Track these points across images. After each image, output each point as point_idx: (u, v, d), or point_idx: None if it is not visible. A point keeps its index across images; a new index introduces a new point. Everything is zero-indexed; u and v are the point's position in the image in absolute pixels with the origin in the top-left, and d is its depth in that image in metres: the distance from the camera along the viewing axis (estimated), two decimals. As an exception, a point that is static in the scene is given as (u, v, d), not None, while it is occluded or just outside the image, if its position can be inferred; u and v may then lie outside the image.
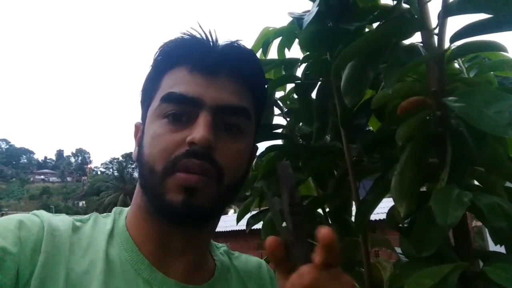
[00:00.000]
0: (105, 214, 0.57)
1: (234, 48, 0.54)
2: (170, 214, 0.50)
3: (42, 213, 0.51)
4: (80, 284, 0.45)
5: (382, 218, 0.68)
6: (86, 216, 0.56)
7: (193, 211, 0.48)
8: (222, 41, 0.54)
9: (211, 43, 0.53)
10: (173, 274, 0.52)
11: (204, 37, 0.53)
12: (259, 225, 0.92)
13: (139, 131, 0.56)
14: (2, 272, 0.41)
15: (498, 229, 0.44)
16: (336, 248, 0.34)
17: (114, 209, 0.58)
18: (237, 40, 0.55)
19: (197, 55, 0.52)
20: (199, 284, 0.54)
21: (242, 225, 1.05)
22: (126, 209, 0.58)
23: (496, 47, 0.52)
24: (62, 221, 0.51)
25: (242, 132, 0.53)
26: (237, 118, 0.52)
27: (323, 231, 0.33)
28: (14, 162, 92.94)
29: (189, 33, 0.53)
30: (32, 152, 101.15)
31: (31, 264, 0.44)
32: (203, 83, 0.51)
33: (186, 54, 0.52)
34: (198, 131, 0.48)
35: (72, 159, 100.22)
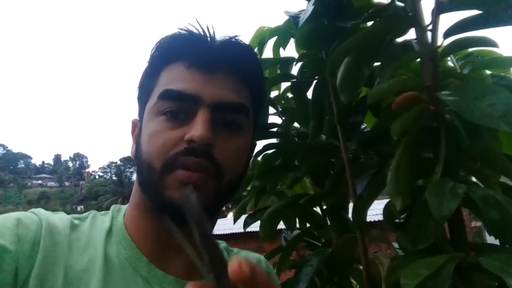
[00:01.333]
0: (103, 212, 0.57)
1: (232, 44, 0.53)
2: (169, 211, 0.49)
3: (40, 211, 0.51)
4: (79, 281, 0.45)
5: (382, 219, 0.69)
6: (84, 214, 0.56)
7: None
8: (220, 36, 0.53)
9: (209, 39, 0.52)
10: (173, 272, 0.52)
11: (202, 33, 0.52)
12: (257, 228, 0.91)
13: (136, 128, 0.56)
14: (1, 270, 0.41)
15: (492, 220, 0.44)
16: (258, 275, 0.27)
17: (112, 207, 0.58)
18: (235, 36, 0.54)
19: (194, 51, 0.51)
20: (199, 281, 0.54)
21: (240, 227, 1.04)
22: (124, 207, 0.58)
23: (488, 42, 0.53)
24: (60, 219, 0.51)
25: (241, 129, 0.53)
26: (236, 115, 0.52)
27: (232, 268, 0.26)
28: (11, 167, 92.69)
29: (186, 29, 0.52)
30: (29, 157, 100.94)
31: (30, 262, 0.43)
32: (201, 79, 0.50)
33: (183, 50, 0.51)
34: (197, 129, 0.47)
35: (70, 164, 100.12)
